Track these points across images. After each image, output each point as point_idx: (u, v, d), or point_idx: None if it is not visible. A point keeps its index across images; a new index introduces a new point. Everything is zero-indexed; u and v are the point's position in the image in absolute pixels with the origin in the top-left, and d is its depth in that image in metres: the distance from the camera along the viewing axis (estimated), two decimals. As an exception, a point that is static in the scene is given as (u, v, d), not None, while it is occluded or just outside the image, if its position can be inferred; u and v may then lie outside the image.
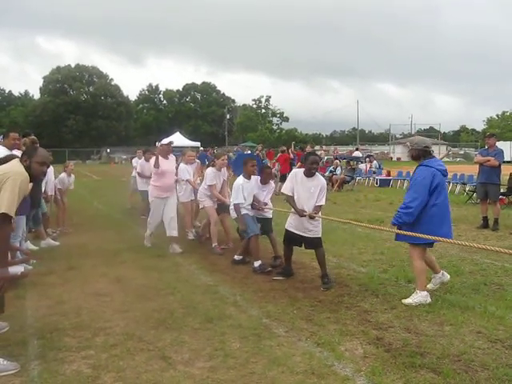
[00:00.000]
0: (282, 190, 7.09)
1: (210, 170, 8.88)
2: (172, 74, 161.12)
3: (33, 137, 8.41)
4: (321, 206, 6.55)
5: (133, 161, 15.56)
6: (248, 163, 7.76)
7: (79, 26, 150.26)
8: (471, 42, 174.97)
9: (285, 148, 22.28)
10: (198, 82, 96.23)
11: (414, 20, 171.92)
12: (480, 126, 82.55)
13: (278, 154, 22.15)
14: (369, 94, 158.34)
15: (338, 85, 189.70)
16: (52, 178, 10.17)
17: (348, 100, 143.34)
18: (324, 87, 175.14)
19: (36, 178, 4.53)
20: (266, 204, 7.71)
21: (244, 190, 7.45)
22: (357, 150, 35.61)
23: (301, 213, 6.41)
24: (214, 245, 8.59)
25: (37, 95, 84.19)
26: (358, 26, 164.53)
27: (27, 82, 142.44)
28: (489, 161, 10.72)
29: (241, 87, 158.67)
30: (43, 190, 9.86)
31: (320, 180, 6.62)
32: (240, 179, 7.56)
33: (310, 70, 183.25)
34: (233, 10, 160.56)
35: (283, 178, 11.92)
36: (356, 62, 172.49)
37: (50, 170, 10.29)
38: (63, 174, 10.75)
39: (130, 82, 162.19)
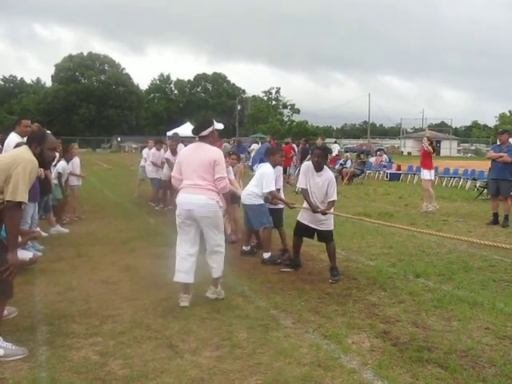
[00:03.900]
0: (298, 185, 7.04)
1: None
2: (173, 64, 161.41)
3: (36, 123, 8.42)
4: (333, 201, 6.51)
5: (143, 151, 15.76)
6: (277, 154, 7.57)
7: (82, 14, 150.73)
8: (475, 36, 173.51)
9: (289, 140, 22.14)
10: (209, 72, 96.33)
11: (417, 13, 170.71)
12: (491, 122, 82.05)
13: (282, 146, 21.91)
14: (374, 86, 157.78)
15: (342, 77, 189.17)
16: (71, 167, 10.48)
17: (354, 93, 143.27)
18: (328, 79, 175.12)
19: (47, 164, 4.56)
20: (279, 190, 7.57)
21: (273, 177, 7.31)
22: (335, 142, 35.78)
23: (315, 209, 6.39)
24: (228, 233, 8.58)
25: (48, 83, 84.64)
26: (360, 18, 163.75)
27: (28, 69, 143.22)
28: (501, 157, 10.66)
29: (243, 78, 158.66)
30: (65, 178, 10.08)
31: (328, 174, 6.56)
32: (270, 167, 7.31)
33: (312, 62, 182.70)
34: (234, 1, 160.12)
35: (284, 171, 11.74)
36: (359, 54, 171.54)
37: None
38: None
39: (134, 71, 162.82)
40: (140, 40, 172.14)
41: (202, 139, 5.51)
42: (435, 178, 19.93)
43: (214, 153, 5.45)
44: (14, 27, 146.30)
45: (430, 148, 12.73)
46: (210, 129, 5.52)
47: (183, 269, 5.44)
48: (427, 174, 12.80)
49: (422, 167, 13.12)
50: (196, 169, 5.37)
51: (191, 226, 5.44)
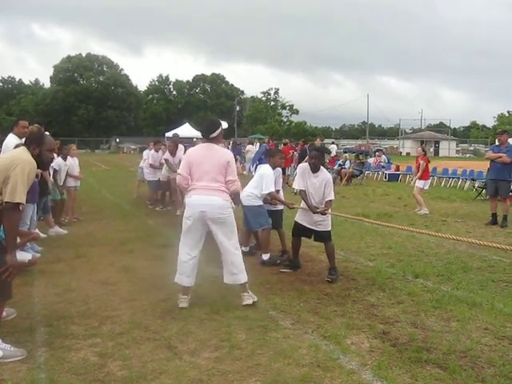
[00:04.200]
0: (293, 186, 7.05)
1: None
2: (172, 65, 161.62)
3: (36, 125, 8.43)
4: (331, 200, 6.50)
5: (144, 152, 15.68)
6: (276, 155, 7.56)
7: (80, 15, 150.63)
8: (474, 36, 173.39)
9: (287, 140, 22.16)
10: (208, 73, 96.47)
11: (416, 14, 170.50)
12: (489, 122, 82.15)
13: (281, 147, 21.89)
14: (373, 87, 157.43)
15: (341, 77, 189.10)
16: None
17: (353, 93, 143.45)
18: (327, 80, 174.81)
19: (46, 165, 4.56)
20: (278, 191, 7.58)
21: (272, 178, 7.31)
22: (332, 143, 36.20)
23: (314, 209, 6.39)
24: None
25: (47, 84, 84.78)
26: (359, 18, 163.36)
27: (26, 69, 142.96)
28: (500, 157, 10.67)
29: (242, 79, 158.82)
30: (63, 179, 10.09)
31: (324, 175, 6.55)
32: (269, 169, 7.31)
33: (311, 63, 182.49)
34: (232, 1, 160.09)
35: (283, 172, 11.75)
36: (358, 55, 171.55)
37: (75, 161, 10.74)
38: (69, 159, 10.75)
39: (132, 72, 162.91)
40: (138, 41, 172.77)
41: (212, 140, 5.42)
42: (434, 179, 20.12)
43: (226, 154, 5.45)
44: (13, 28, 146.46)
45: (423, 163, 12.90)
46: (219, 130, 5.44)
47: (184, 272, 5.37)
48: (421, 183, 12.94)
49: (418, 178, 13.13)
50: (209, 170, 5.26)
51: (198, 230, 5.32)
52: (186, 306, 5.27)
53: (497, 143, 11.33)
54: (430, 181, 13.98)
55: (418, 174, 12.89)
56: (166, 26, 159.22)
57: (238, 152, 25.99)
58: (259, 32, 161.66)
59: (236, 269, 5.37)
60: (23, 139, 6.76)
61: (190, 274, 5.37)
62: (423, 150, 13.66)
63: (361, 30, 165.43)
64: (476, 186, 17.62)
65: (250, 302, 5.33)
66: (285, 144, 21.25)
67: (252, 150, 23.77)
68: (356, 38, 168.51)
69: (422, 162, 12.92)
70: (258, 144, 25.41)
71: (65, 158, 10.17)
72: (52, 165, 9.67)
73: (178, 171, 5.49)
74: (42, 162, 4.27)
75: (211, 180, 5.25)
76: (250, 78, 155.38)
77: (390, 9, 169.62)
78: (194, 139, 30.78)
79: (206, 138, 5.43)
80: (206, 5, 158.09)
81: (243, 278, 5.40)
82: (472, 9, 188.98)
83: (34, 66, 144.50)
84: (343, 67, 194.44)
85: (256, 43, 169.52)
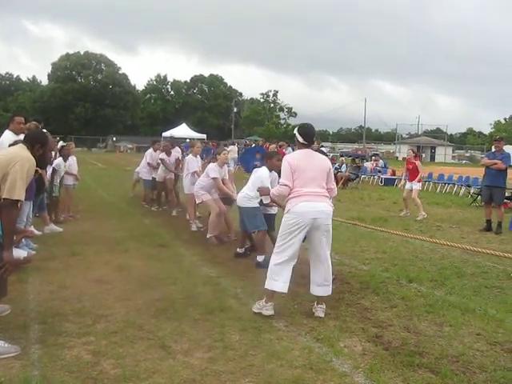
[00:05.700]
0: None
1: (212, 166, 8.78)
2: (171, 65, 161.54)
3: (35, 122, 8.43)
4: None
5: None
6: (274, 157, 7.42)
7: (79, 13, 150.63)
8: (470, 43, 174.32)
9: (283, 143, 22.19)
10: (206, 73, 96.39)
11: (412, 19, 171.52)
12: (486, 129, 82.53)
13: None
14: (369, 91, 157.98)
15: (337, 81, 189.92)
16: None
17: (350, 97, 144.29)
18: (323, 83, 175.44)
19: (46, 164, 4.58)
20: None
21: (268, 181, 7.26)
22: (322, 146, 36.48)
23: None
24: (209, 235, 8.61)
25: (44, 81, 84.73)
26: (355, 22, 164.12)
27: (22, 66, 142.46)
28: (496, 164, 10.72)
29: (237, 80, 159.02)
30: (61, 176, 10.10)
31: None
32: (266, 171, 7.26)
33: (307, 66, 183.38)
34: (228, 2, 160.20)
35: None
36: (354, 59, 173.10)
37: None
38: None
39: (130, 71, 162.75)
40: (131, 40, 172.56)
41: (309, 146, 5.37)
42: (430, 184, 20.27)
43: (327, 160, 5.51)
44: (7, 24, 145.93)
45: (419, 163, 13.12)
46: None
47: (283, 278, 5.15)
48: (418, 185, 13.16)
49: (413, 180, 13.18)
50: (316, 176, 5.20)
51: (302, 237, 5.16)
52: (272, 313, 5.09)
53: (493, 149, 11.38)
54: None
55: (419, 175, 13.01)
56: (159, 25, 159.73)
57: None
58: (253, 34, 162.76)
59: (328, 280, 5.29)
60: (20, 135, 6.80)
61: (287, 279, 5.17)
62: (413, 152, 13.83)
63: (356, 35, 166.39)
64: (471, 192, 17.70)
65: (323, 315, 5.20)
66: (280, 146, 21.25)
67: (234, 150, 24.14)
68: (351, 42, 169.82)
69: (418, 162, 13.09)
70: (254, 145, 25.59)
71: (66, 159, 10.15)
72: (53, 165, 9.67)
73: (285, 182, 5.20)
74: (44, 162, 4.29)
75: (317, 186, 5.18)
76: (243, 80, 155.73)
77: (386, 14, 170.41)
78: (187, 140, 30.73)
79: (310, 143, 5.38)
80: (200, 5, 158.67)
81: (331, 289, 5.33)
82: (467, 16, 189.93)
83: (28, 63, 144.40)
84: (338, 71, 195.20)
85: (250, 45, 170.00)
